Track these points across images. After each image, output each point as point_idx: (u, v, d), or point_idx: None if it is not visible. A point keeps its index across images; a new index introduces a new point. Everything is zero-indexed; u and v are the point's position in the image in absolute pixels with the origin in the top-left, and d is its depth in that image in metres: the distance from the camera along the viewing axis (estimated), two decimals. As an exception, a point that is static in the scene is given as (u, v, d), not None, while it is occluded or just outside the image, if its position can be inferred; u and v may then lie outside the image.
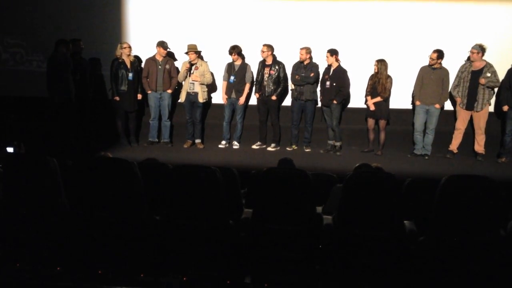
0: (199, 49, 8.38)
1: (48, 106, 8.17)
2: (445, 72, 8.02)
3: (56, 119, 8.12)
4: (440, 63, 7.96)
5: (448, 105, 8.44)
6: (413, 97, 8.36)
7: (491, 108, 8.18)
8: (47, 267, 4.00)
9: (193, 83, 8.38)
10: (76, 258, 4.03)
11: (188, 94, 8.43)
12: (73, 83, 8.15)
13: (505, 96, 7.88)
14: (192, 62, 8.34)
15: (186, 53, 8.32)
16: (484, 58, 7.80)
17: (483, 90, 7.79)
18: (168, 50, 8.49)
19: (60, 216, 3.97)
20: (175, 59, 8.85)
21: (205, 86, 8.49)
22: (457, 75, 8.01)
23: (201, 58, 8.55)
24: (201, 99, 8.41)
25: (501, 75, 7.94)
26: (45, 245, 4.05)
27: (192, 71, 8.36)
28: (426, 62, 8.05)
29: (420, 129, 8.16)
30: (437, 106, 8.02)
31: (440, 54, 7.88)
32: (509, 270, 3.61)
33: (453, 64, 8.15)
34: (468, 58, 7.96)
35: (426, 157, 8.11)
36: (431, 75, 8.01)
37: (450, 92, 8.07)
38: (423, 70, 8.12)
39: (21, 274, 3.96)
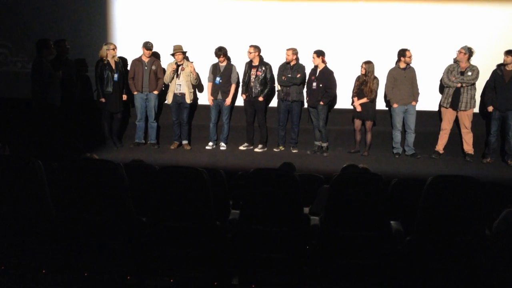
0: (184, 50, 8.36)
1: (33, 110, 8.03)
2: (413, 70, 8.22)
3: (41, 122, 7.99)
4: None
5: (432, 106, 8.51)
6: (387, 99, 8.42)
7: (476, 109, 8.25)
8: (32, 269, 3.96)
9: (180, 84, 8.36)
10: (62, 260, 3.99)
11: (175, 95, 8.41)
12: (59, 87, 8.01)
13: (489, 96, 7.97)
14: (179, 63, 8.32)
15: (172, 54, 8.30)
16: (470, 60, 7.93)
17: (466, 89, 7.87)
18: (152, 50, 8.44)
19: (45, 218, 3.93)
20: (160, 60, 8.82)
21: (192, 87, 8.47)
22: (445, 73, 8.08)
23: (187, 59, 8.52)
24: (188, 100, 8.39)
25: (487, 77, 8.03)
26: (30, 247, 4.00)
27: (178, 72, 8.33)
28: (413, 63, 8.16)
29: (400, 127, 8.28)
30: (414, 103, 8.17)
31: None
32: (494, 270, 3.64)
33: (436, 65, 8.25)
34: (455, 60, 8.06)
35: (419, 156, 8.21)
36: (404, 75, 8.12)
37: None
38: (394, 72, 8.22)
39: (5, 277, 3.92)
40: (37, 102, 7.81)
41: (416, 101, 8.18)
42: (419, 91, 8.23)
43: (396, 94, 8.17)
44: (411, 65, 8.15)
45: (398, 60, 8.19)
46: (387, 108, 8.69)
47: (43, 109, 7.83)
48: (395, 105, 8.18)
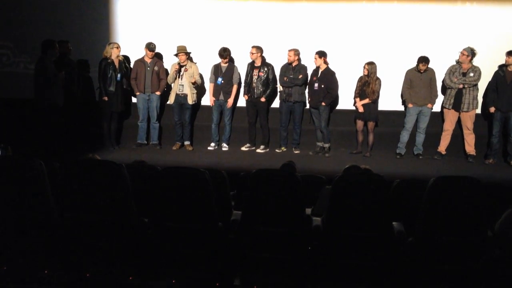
0: (188, 51, 8.36)
1: (35, 110, 8.01)
2: (432, 72, 8.16)
3: (43, 123, 7.97)
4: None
5: (435, 107, 8.50)
6: (403, 99, 8.42)
7: (478, 110, 8.23)
8: (35, 270, 3.96)
9: (183, 85, 8.36)
10: (64, 261, 4.00)
11: (177, 95, 8.41)
12: (62, 87, 7.93)
13: (491, 97, 7.96)
14: (182, 64, 8.31)
15: (176, 54, 8.30)
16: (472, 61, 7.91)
17: (468, 90, 7.86)
18: (154, 52, 8.44)
19: (47, 219, 3.93)
20: (163, 61, 8.83)
21: (194, 88, 8.46)
22: (447, 74, 8.07)
23: (191, 59, 8.53)
24: (190, 101, 8.38)
25: (489, 77, 8.01)
26: (32, 247, 4.01)
27: (182, 73, 8.33)
28: (413, 64, 8.13)
29: (410, 129, 8.28)
30: (430, 105, 8.17)
31: (427, 61, 8.00)
32: (496, 271, 3.63)
33: (440, 66, 8.24)
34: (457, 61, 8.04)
35: (420, 157, 8.22)
36: (420, 77, 8.10)
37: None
38: (410, 73, 8.21)
39: (8, 277, 3.92)
40: (40, 102, 7.79)
41: (433, 103, 8.18)
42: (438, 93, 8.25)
43: (412, 95, 8.18)
44: (429, 66, 8.11)
45: (417, 64, 8.15)
46: (392, 109, 8.69)
47: (46, 109, 7.82)
48: (410, 105, 8.19)
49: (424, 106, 8.15)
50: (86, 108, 8.69)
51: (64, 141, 8.10)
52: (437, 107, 8.54)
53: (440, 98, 8.43)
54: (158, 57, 8.68)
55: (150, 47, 8.37)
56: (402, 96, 8.43)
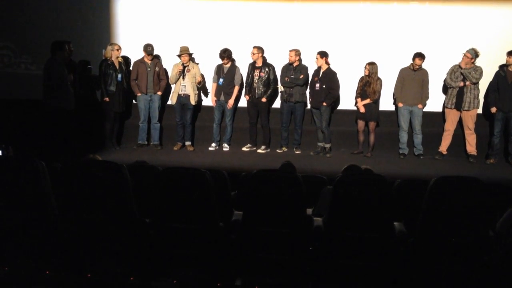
0: (191, 52, 8.36)
1: (42, 113, 7.91)
2: (425, 73, 8.17)
3: (48, 126, 7.85)
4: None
5: (436, 107, 8.50)
6: (394, 98, 8.45)
7: (479, 110, 8.22)
8: (36, 270, 3.97)
9: (185, 85, 8.36)
10: (65, 261, 4.00)
11: (179, 96, 8.41)
12: (70, 90, 7.73)
13: (492, 97, 7.95)
14: (185, 65, 8.31)
15: (179, 55, 8.30)
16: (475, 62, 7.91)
17: (469, 89, 7.86)
18: (152, 55, 8.42)
19: (49, 219, 3.94)
20: (161, 62, 8.83)
21: (196, 89, 8.47)
22: (448, 74, 8.07)
23: (193, 60, 8.53)
24: (193, 101, 8.39)
25: (490, 78, 8.01)
26: (34, 248, 4.01)
27: (184, 73, 8.33)
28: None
29: (406, 128, 8.28)
30: (420, 106, 8.16)
31: (423, 58, 8.02)
32: (497, 271, 3.63)
33: (439, 66, 8.25)
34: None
35: (421, 157, 8.22)
36: (413, 76, 8.11)
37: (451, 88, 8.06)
38: (403, 72, 8.23)
39: (9, 278, 3.92)
40: (47, 105, 7.68)
41: (423, 104, 8.17)
42: (429, 95, 8.23)
43: (402, 94, 8.19)
44: (423, 67, 8.12)
45: (413, 58, 8.16)
46: (393, 109, 8.69)
47: (53, 112, 7.74)
48: (400, 105, 8.21)
49: (414, 106, 8.15)
50: (88, 109, 8.68)
51: (66, 141, 8.06)
52: (438, 107, 8.54)
53: (436, 99, 8.44)
54: (157, 57, 8.67)
55: (147, 50, 8.32)
56: (393, 95, 8.44)
